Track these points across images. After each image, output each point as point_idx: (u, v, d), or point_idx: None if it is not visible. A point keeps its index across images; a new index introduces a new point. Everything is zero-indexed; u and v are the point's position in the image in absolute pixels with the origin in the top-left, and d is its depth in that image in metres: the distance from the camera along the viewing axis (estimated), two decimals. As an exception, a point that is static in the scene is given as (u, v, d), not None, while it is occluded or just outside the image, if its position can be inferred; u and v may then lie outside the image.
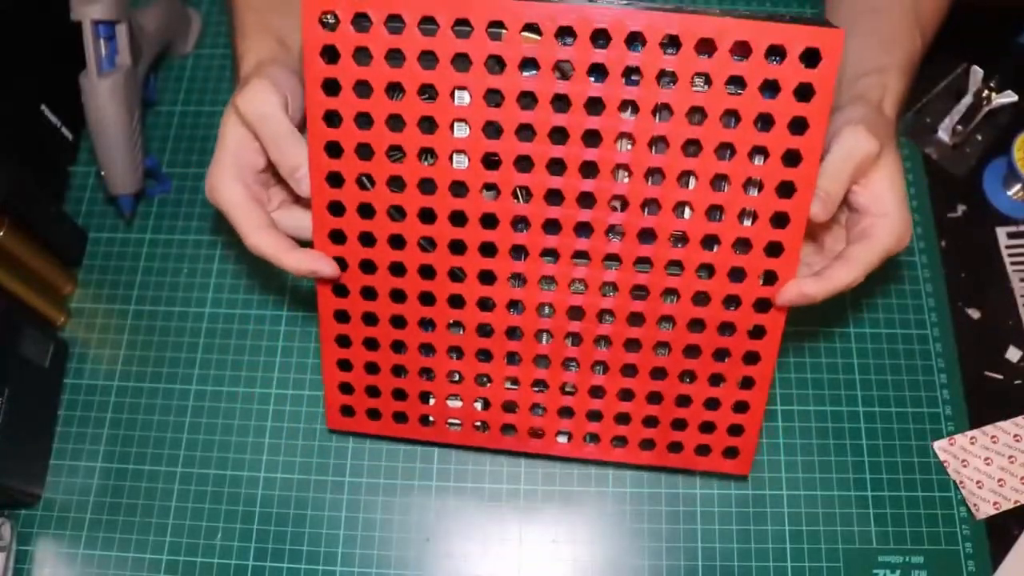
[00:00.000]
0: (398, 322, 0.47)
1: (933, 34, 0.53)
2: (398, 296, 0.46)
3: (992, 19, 0.67)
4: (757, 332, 0.45)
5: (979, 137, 0.64)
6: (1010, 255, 0.61)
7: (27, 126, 0.61)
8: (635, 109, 0.40)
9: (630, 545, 0.53)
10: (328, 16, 0.39)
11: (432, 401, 0.49)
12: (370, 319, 0.47)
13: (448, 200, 0.43)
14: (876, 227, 0.43)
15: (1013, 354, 0.58)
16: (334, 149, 0.42)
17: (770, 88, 0.39)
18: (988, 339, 0.59)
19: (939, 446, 0.55)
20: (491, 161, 0.42)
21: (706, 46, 0.38)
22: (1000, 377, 0.58)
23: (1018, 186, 0.62)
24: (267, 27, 0.50)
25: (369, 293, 0.46)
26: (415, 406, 0.49)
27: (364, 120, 0.41)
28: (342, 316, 0.47)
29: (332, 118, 0.42)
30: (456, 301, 0.46)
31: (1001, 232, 0.62)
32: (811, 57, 0.38)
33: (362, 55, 0.40)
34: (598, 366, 0.47)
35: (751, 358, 0.46)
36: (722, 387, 0.46)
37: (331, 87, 0.41)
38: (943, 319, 0.59)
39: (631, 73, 0.40)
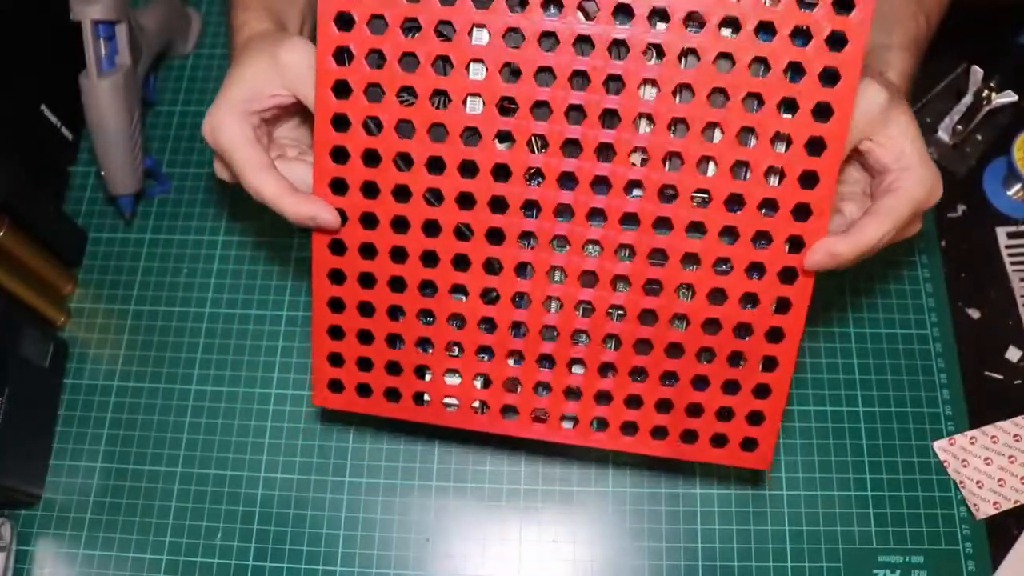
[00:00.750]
0: (397, 284, 0.44)
1: (939, 18, 0.53)
2: (399, 255, 0.43)
3: (992, 19, 0.67)
4: (782, 306, 0.42)
5: (979, 137, 0.64)
6: (1010, 255, 0.61)
7: (27, 126, 0.61)
8: (660, 54, 0.39)
9: (630, 545, 0.53)
10: None
11: (428, 376, 0.46)
12: (367, 280, 0.44)
13: (459, 148, 0.41)
14: (902, 179, 0.42)
15: (1013, 354, 0.58)
16: (342, 89, 0.41)
17: (801, 36, 0.38)
18: (988, 339, 0.59)
19: (939, 446, 0.55)
20: (506, 108, 0.40)
21: None
22: (1000, 377, 0.58)
23: (1018, 186, 0.62)
24: (269, 7, 0.49)
25: (368, 251, 0.43)
26: (410, 381, 0.46)
27: (375, 59, 0.40)
28: (337, 276, 0.44)
29: (342, 55, 0.40)
30: (460, 262, 0.43)
31: (1001, 232, 0.62)
32: (844, 5, 0.37)
33: None
34: (609, 340, 0.44)
35: (775, 335, 0.43)
36: (742, 367, 0.44)
37: (344, 22, 0.39)
38: (943, 319, 0.59)
39: (657, 16, 0.38)
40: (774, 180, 0.41)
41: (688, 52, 0.39)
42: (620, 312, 0.43)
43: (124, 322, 0.60)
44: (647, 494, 0.54)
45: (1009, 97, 0.62)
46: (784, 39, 0.38)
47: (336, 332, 0.46)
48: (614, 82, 0.39)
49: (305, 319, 0.60)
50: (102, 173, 0.59)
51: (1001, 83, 0.63)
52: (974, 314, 0.60)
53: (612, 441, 0.46)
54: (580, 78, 0.39)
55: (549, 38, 0.39)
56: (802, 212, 0.40)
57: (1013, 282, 0.60)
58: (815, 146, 0.39)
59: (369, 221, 0.43)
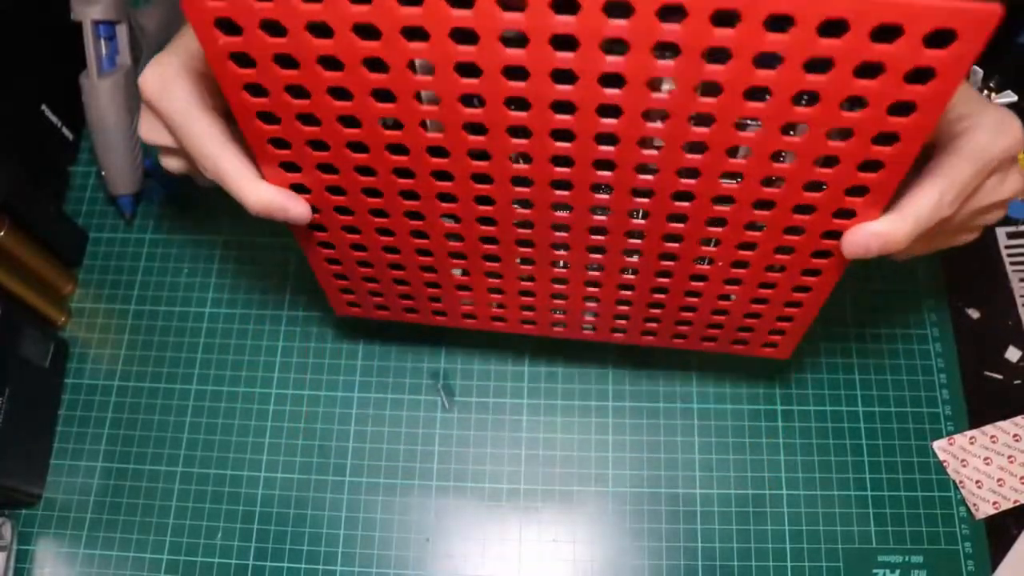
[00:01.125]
0: (391, 250, 0.41)
1: None
2: (385, 231, 0.40)
3: (992, 19, 0.67)
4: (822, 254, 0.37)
5: (979, 137, 0.64)
6: (1010, 255, 0.61)
7: (27, 126, 0.61)
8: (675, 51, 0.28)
9: (630, 545, 0.53)
10: None
11: (443, 301, 0.46)
12: (358, 247, 0.42)
13: (427, 160, 0.34)
14: (960, 133, 0.33)
15: (1013, 354, 0.58)
16: (257, 89, 0.32)
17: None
18: (988, 339, 0.59)
19: (938, 446, 0.55)
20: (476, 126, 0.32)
21: None
22: (1000, 377, 0.58)
23: (1018, 186, 0.62)
24: None
25: (352, 229, 0.40)
26: (425, 304, 0.46)
27: (289, 62, 0.31)
28: (326, 244, 0.41)
29: (242, 59, 0.31)
30: (454, 238, 0.40)
31: (1001, 232, 0.62)
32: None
33: None
34: (626, 271, 0.41)
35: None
36: (768, 305, 0.42)
37: (229, 26, 0.30)
38: (943, 319, 0.59)
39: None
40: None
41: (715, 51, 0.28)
42: (640, 235, 0.39)
43: (124, 322, 0.60)
44: (647, 494, 0.54)
45: (1009, 97, 0.62)
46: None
47: (341, 276, 0.45)
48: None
49: (306, 319, 0.60)
50: (102, 173, 0.59)
51: (1001, 83, 0.63)
52: (974, 314, 0.60)
53: (631, 338, 0.47)
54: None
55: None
56: (870, 166, 0.32)
57: (1013, 282, 0.60)
58: (903, 108, 0.29)
59: (343, 211, 0.38)
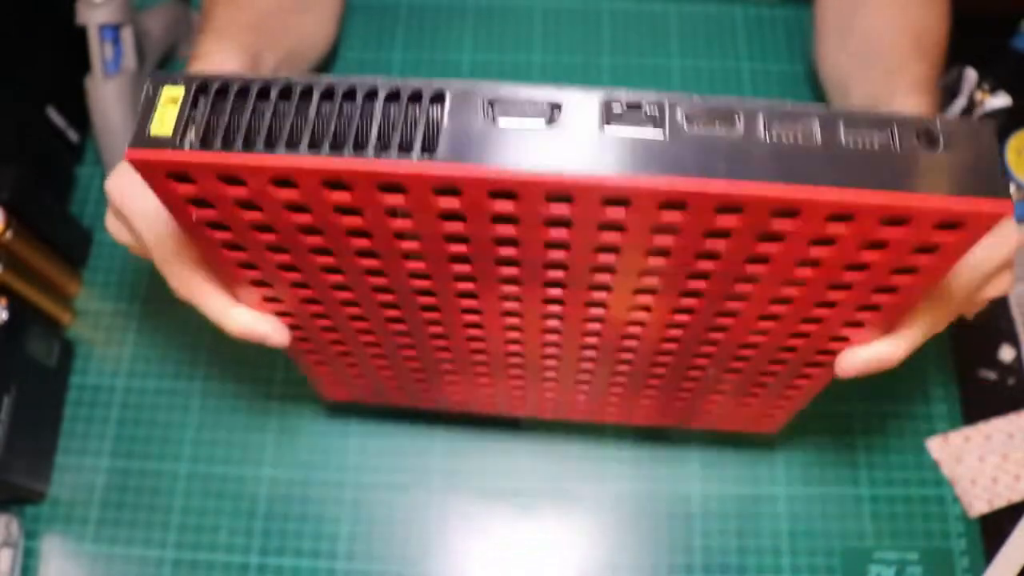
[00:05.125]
0: (373, 344, 0.40)
1: (940, 63, 0.51)
2: (367, 332, 0.38)
3: (987, 23, 0.67)
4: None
5: (973, 139, 0.65)
6: (1004, 256, 0.62)
7: (33, 128, 0.61)
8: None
9: (630, 545, 0.54)
10: None
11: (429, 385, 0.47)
12: (346, 354, 0.42)
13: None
14: None
15: (1006, 353, 0.59)
16: (233, 246, 0.31)
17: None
18: (982, 338, 0.59)
19: (933, 444, 0.56)
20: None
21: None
22: (994, 376, 0.58)
23: (1011, 187, 0.63)
24: (244, 41, 0.46)
25: (331, 329, 0.39)
26: (415, 388, 0.47)
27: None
28: (312, 351, 0.42)
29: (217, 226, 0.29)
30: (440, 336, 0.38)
31: (995, 233, 0.63)
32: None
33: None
34: (619, 375, 0.42)
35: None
36: (758, 398, 0.45)
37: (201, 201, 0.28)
38: (938, 319, 0.60)
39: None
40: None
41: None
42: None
43: (129, 322, 0.61)
44: (647, 494, 0.55)
45: (1002, 99, 0.62)
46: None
47: (331, 377, 0.47)
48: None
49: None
50: (107, 174, 0.59)
51: (995, 86, 0.63)
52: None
53: (623, 417, 0.50)
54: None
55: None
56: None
57: (1007, 282, 0.61)
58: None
59: (321, 315, 0.37)
